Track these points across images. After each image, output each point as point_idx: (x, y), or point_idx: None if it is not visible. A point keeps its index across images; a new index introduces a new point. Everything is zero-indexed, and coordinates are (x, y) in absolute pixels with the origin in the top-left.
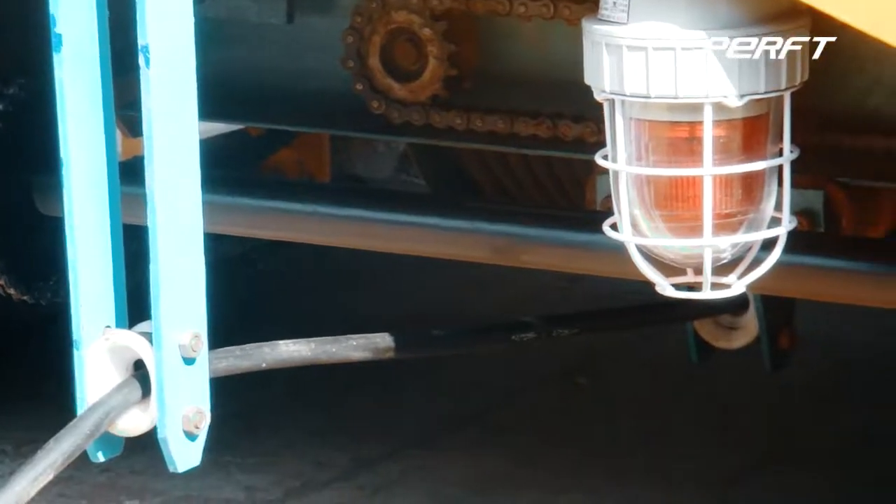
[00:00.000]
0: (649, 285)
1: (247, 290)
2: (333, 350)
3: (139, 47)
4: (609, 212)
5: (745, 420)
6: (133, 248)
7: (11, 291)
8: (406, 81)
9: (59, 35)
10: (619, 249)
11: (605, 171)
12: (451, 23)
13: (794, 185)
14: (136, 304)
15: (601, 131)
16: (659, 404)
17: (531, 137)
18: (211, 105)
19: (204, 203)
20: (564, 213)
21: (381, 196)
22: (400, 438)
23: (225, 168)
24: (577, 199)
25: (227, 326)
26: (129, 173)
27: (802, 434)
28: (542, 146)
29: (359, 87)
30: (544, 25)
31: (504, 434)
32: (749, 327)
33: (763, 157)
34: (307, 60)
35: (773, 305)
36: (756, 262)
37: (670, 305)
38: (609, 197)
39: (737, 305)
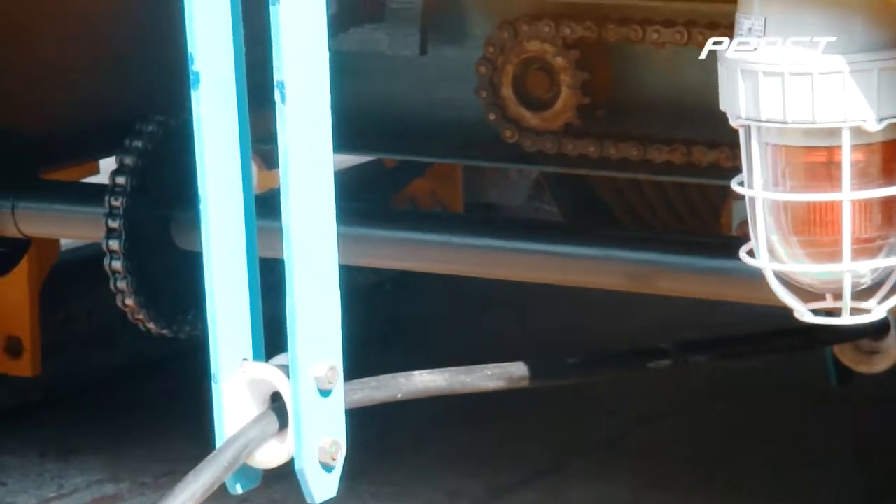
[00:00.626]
0: (787, 311)
1: (381, 321)
2: (468, 380)
3: (275, 83)
4: (745, 237)
5: (882, 444)
6: (270, 280)
7: (151, 325)
8: (539, 110)
9: (197, 73)
10: (755, 275)
11: (741, 197)
12: (583, 51)
13: None
14: (273, 337)
15: (736, 157)
16: (797, 429)
17: (665, 164)
18: (345, 137)
19: (339, 235)
20: (700, 240)
21: (515, 225)
22: (533, 466)
23: (359, 199)
24: (713, 225)
25: (362, 357)
26: (265, 206)
27: None
28: (677, 172)
29: (492, 116)
30: (677, 52)
31: (640, 459)
32: (891, 351)
33: None
34: (440, 91)
35: None
36: None
37: (809, 330)
38: (745, 222)
39: (878, 329)
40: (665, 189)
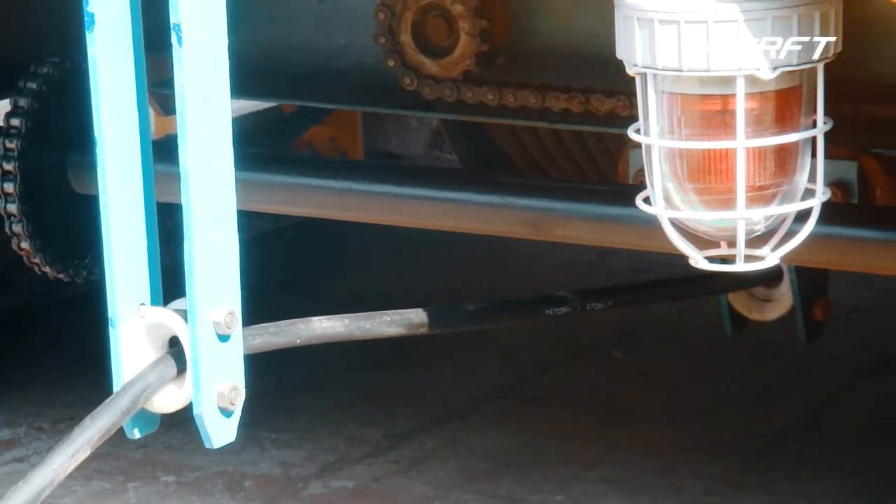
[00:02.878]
0: (682, 258)
1: (280, 267)
2: (367, 326)
3: (171, 25)
4: (642, 185)
5: (778, 391)
6: (167, 225)
7: (47, 269)
8: (438, 57)
9: (92, 14)
10: (651, 223)
11: (638, 145)
12: None
13: (827, 156)
14: (170, 282)
15: (633, 105)
16: (693, 376)
17: (563, 112)
18: (243, 83)
19: (237, 181)
20: (597, 187)
21: (414, 172)
22: (432, 414)
23: (258, 145)
24: (610, 173)
25: (261, 303)
26: (162, 151)
27: (832, 407)
28: (574, 121)
29: (390, 63)
30: (575, 0)
31: (537, 407)
32: (783, 299)
33: (796, 129)
34: (339, 37)
35: (806, 277)
36: (790, 234)
37: (704, 278)
38: (642, 171)
39: (770, 277)
40: (563, 137)
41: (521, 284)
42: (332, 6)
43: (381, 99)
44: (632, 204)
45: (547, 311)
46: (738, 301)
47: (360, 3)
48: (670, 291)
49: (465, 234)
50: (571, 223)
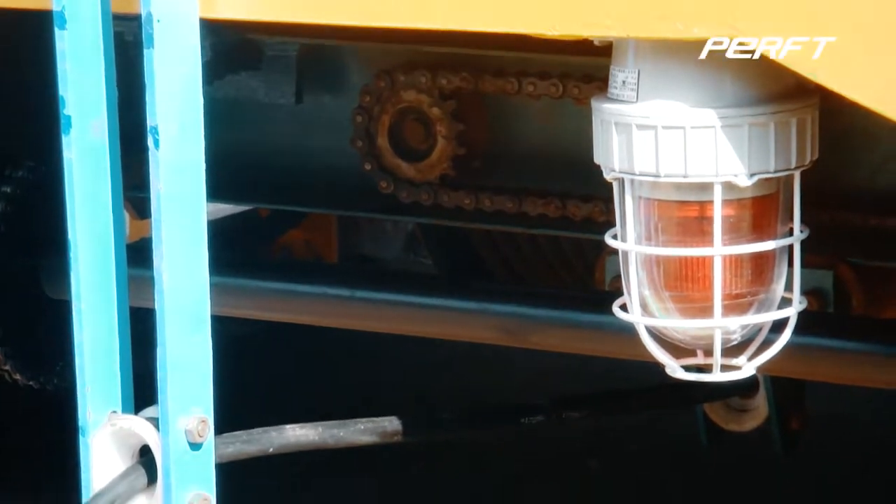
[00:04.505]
0: (660, 367)
1: (254, 373)
2: (341, 434)
3: (148, 128)
4: (618, 292)
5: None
6: (141, 331)
7: (18, 377)
8: (415, 161)
9: (69, 116)
10: (628, 331)
11: (615, 252)
12: (459, 102)
13: (804, 264)
14: (143, 389)
15: (610, 211)
16: (669, 488)
17: (540, 217)
18: (219, 186)
19: (211, 285)
20: (573, 294)
21: (390, 277)
22: None
23: (234, 249)
24: (587, 280)
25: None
26: (136, 256)
27: None
28: (552, 226)
29: (367, 166)
30: (553, 105)
31: None
32: (759, 409)
33: (773, 237)
34: (316, 140)
35: (782, 387)
36: (766, 344)
37: (681, 388)
38: (618, 277)
39: (747, 388)
40: (540, 243)
41: (497, 393)
42: (309, 109)
43: (358, 202)
44: (608, 311)
45: (523, 420)
46: (714, 411)
47: (338, 106)
48: (647, 401)
49: (440, 339)
50: (548, 330)
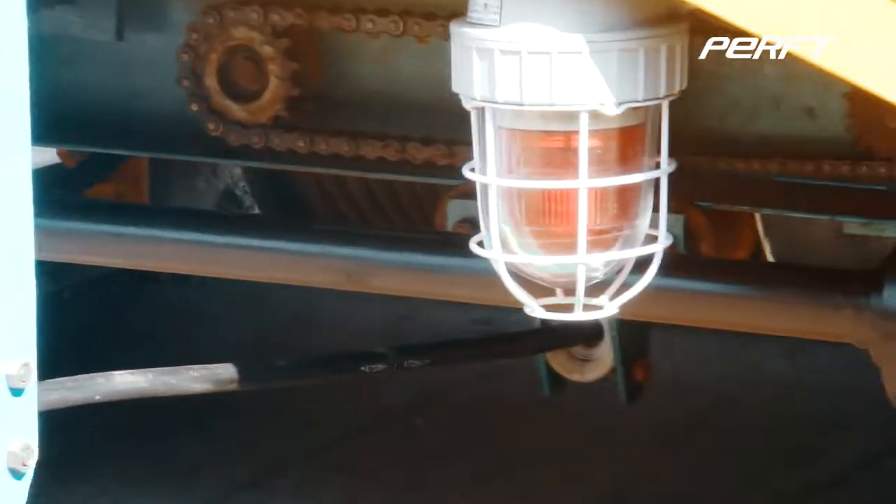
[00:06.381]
0: (502, 312)
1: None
2: (173, 381)
3: None
4: (463, 235)
5: (591, 456)
6: None
7: None
8: (245, 102)
9: None
10: (479, 273)
11: (457, 196)
12: (293, 40)
13: (654, 207)
14: None
15: (452, 154)
16: (501, 443)
17: (378, 161)
18: (35, 127)
19: (36, 228)
20: (418, 236)
21: (227, 220)
22: (231, 480)
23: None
24: (423, 227)
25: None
26: None
27: (646, 475)
28: (390, 170)
29: (194, 107)
30: (393, 43)
31: (335, 474)
32: (603, 359)
33: (639, 170)
34: (138, 80)
35: (628, 337)
36: (625, 286)
37: (524, 336)
38: (462, 222)
39: (591, 337)
40: (373, 189)
41: (330, 344)
42: (131, 46)
43: (185, 146)
44: (455, 253)
45: (363, 368)
46: (557, 361)
47: (162, 44)
48: (490, 349)
49: (263, 294)
50: (392, 273)
